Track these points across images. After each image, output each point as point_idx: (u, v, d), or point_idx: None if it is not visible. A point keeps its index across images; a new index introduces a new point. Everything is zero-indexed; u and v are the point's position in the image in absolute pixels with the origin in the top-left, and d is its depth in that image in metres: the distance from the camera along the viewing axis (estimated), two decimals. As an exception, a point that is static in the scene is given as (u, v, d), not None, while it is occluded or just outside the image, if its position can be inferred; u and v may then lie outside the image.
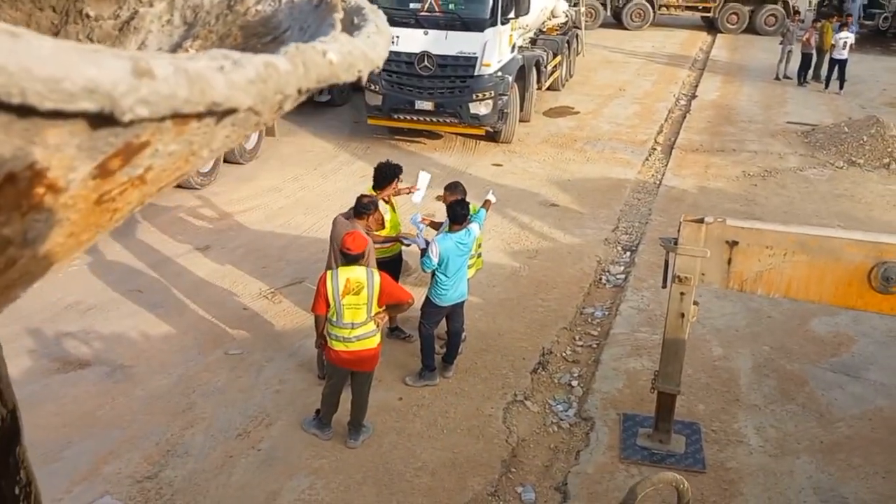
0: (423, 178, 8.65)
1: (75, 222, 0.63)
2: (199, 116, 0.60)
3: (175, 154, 0.63)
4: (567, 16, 19.95)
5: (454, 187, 8.06)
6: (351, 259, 6.53)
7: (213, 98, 0.58)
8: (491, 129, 14.44)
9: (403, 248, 8.52)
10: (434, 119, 14.22)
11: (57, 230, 0.62)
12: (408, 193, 8.60)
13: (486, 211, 8.26)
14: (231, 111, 0.61)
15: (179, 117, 0.59)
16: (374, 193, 7.99)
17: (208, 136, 0.64)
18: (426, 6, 13.89)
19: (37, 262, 0.65)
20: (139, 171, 0.62)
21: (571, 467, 6.84)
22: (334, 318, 6.58)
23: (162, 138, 0.60)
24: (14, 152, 0.54)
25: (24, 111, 0.52)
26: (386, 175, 8.12)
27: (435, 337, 7.83)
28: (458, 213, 7.47)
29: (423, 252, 7.56)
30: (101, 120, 0.55)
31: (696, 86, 20.72)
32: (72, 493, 6.21)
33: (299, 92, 0.65)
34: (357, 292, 6.50)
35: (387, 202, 8.10)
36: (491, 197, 8.53)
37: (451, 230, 7.47)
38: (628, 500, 3.61)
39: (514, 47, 14.93)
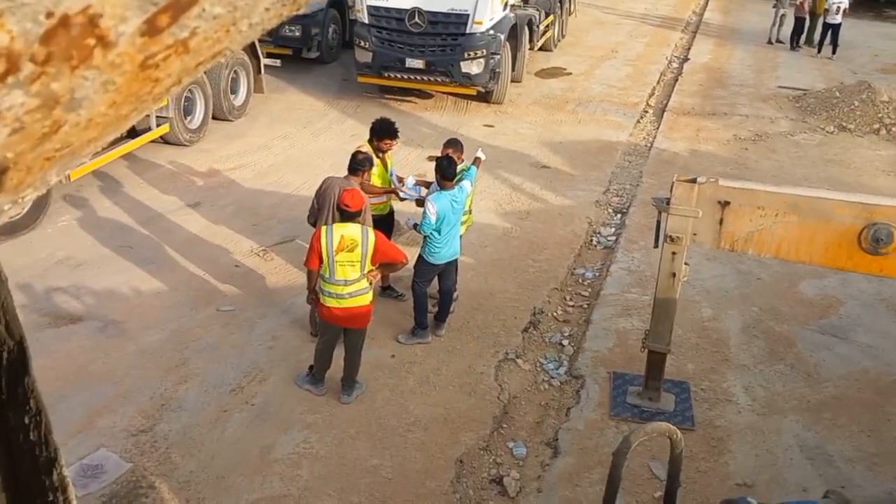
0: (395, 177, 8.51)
1: (119, 88, 0.64)
2: None
3: (218, 20, 0.65)
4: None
5: (453, 144, 8.08)
6: (348, 216, 6.57)
7: None
8: (482, 89, 14.38)
9: (395, 208, 8.57)
10: (425, 78, 14.15)
11: (101, 95, 0.63)
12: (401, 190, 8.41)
13: (477, 168, 8.30)
14: None
15: None
16: (369, 147, 8.02)
17: (251, 5, 0.66)
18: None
19: (78, 132, 0.65)
20: (185, 33, 0.64)
21: (562, 424, 6.99)
22: (327, 275, 6.64)
23: None
24: None
25: None
26: (384, 128, 8.13)
27: (427, 295, 7.92)
28: (447, 169, 7.49)
29: (420, 204, 7.61)
30: None
31: (689, 48, 20.67)
32: (66, 446, 6.27)
33: None
34: (351, 249, 6.55)
35: (379, 157, 8.12)
36: (480, 154, 8.54)
37: (443, 188, 7.50)
38: (622, 448, 3.71)
39: (506, 5, 14.80)
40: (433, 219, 7.34)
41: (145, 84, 0.66)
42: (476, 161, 8.35)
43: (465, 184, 7.73)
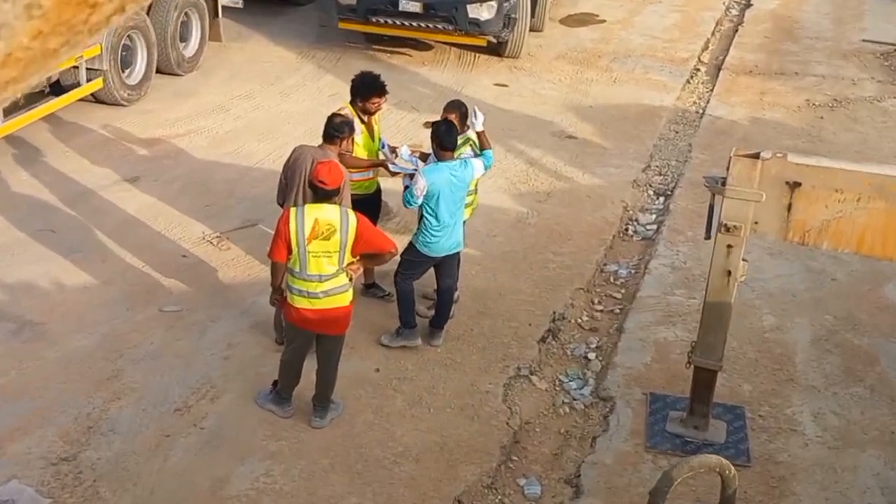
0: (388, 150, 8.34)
1: (46, 14, 0.61)
2: None
3: None
4: None
5: (456, 107, 8.03)
6: (323, 195, 6.54)
7: None
8: (494, 40, 14.36)
9: (383, 187, 8.55)
10: (422, 24, 14.08)
11: (24, 22, 0.60)
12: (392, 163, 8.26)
13: (491, 150, 8.07)
14: None
15: None
16: (352, 109, 7.99)
17: None
18: None
19: None
20: None
21: (586, 456, 6.99)
22: (297, 269, 6.62)
23: None
24: None
25: None
26: (368, 83, 8.08)
27: (415, 292, 7.91)
28: (446, 136, 7.44)
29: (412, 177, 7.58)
30: None
31: (752, -9, 20.65)
32: (-30, 477, 6.30)
33: None
34: (327, 237, 6.54)
35: (364, 122, 8.08)
36: (477, 120, 8.02)
37: (441, 159, 7.46)
38: (661, 486, 3.71)
39: (525, -65, 14.78)
40: (418, 195, 7.32)
41: (80, 10, 0.63)
42: (480, 138, 8.02)
43: (476, 162, 7.64)
